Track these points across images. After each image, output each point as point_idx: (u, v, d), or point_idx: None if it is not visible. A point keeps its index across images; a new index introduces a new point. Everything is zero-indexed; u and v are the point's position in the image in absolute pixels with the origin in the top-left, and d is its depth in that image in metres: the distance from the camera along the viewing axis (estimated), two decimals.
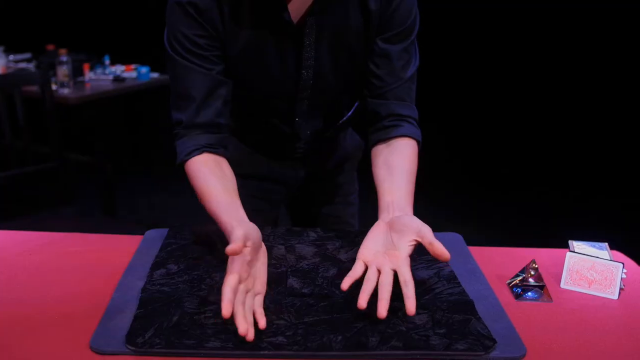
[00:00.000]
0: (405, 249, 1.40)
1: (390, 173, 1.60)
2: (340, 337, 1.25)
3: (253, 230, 1.40)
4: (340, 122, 1.91)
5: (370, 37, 1.65)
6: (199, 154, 1.59)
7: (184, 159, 1.60)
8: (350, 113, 1.90)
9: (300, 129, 1.80)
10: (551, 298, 1.47)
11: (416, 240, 1.40)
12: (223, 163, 1.62)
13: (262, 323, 1.27)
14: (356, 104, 1.90)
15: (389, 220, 1.48)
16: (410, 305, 1.30)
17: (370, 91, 1.70)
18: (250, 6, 1.57)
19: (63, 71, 4.11)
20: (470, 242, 1.73)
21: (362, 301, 1.32)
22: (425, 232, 1.39)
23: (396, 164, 1.62)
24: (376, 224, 1.50)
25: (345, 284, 1.38)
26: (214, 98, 1.61)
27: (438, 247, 1.36)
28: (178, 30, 1.57)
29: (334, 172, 2.02)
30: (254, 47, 1.61)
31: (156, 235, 1.71)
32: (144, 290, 1.42)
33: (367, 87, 1.71)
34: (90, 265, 1.58)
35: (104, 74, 4.55)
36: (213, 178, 1.56)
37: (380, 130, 1.69)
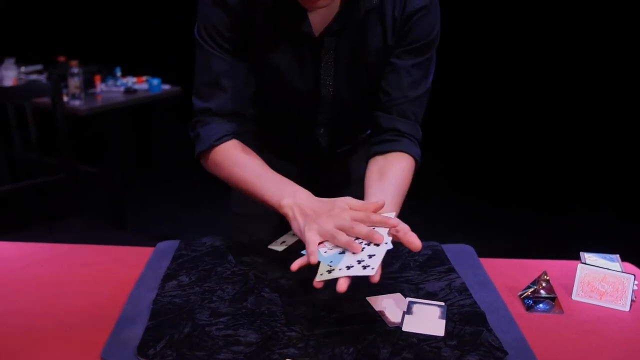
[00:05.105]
0: None
1: (382, 180, 1.61)
2: (351, 349, 1.25)
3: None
4: (362, 136, 1.91)
5: (389, 54, 1.65)
6: (229, 140, 1.62)
7: (214, 144, 1.62)
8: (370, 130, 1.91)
9: (321, 139, 1.81)
10: (562, 310, 1.46)
11: (393, 234, 1.39)
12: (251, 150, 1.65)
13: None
14: None
15: None
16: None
17: (376, 104, 1.71)
18: (273, 15, 1.58)
19: (74, 83, 4.13)
20: (482, 253, 1.73)
21: (295, 265, 1.35)
22: (403, 225, 1.38)
23: (389, 174, 1.62)
24: None
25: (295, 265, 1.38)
26: (242, 90, 1.64)
27: (411, 235, 1.35)
28: (210, 21, 1.59)
29: (348, 188, 2.01)
30: (274, 56, 1.63)
31: (167, 247, 1.72)
32: (155, 301, 1.42)
33: (375, 99, 1.71)
34: (101, 277, 1.59)
35: (115, 85, 4.56)
36: (256, 158, 1.61)
37: (380, 143, 1.70)
